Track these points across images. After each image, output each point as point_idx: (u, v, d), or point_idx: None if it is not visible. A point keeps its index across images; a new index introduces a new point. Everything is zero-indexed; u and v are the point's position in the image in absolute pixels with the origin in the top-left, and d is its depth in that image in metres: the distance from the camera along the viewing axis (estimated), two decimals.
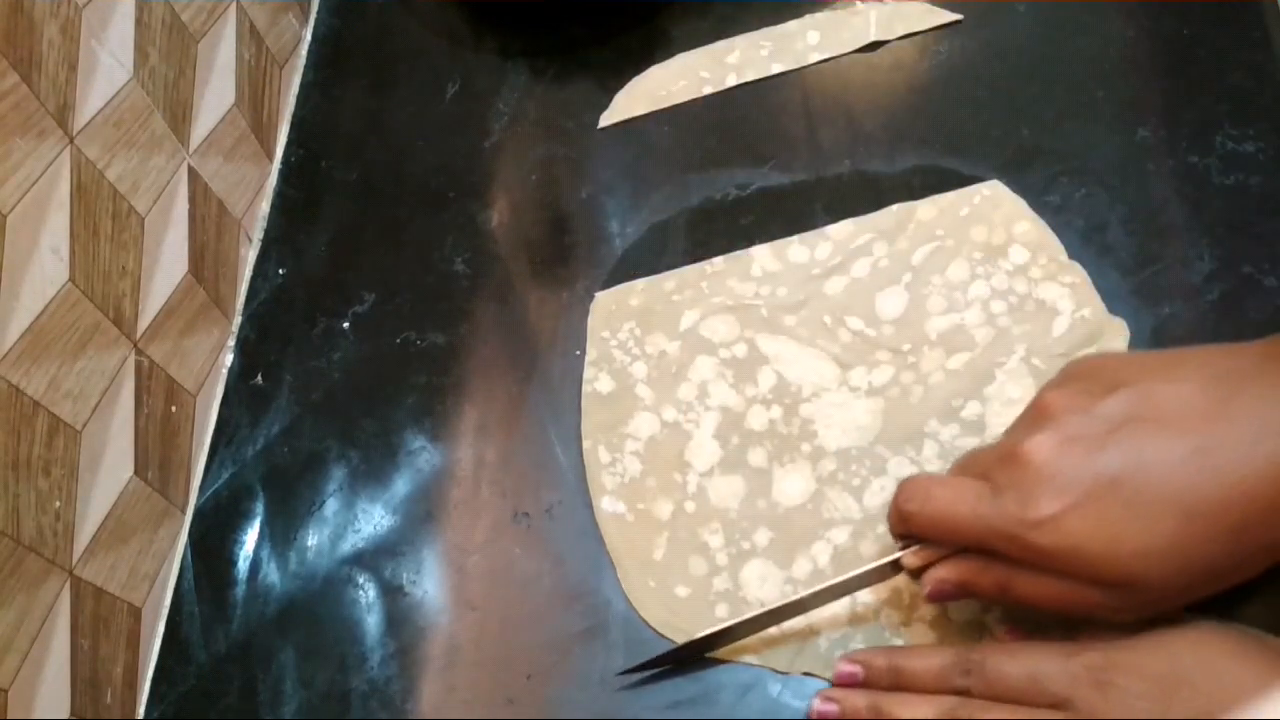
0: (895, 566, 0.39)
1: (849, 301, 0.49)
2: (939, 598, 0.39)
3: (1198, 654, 0.35)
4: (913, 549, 0.38)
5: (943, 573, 0.38)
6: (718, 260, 0.52)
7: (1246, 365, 0.34)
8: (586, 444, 0.48)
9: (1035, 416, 0.36)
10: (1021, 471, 0.35)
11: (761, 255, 0.52)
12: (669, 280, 0.52)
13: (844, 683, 0.40)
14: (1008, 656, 0.37)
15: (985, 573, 0.37)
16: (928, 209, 0.51)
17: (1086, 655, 0.36)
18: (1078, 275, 0.47)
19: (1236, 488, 0.32)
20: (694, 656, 0.42)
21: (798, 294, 0.50)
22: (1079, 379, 0.37)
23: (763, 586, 0.44)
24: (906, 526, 0.38)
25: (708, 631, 0.41)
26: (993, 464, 0.37)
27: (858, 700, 0.39)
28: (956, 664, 0.38)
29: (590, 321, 0.52)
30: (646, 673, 0.42)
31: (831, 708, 0.40)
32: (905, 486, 0.38)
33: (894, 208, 0.51)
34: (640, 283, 0.52)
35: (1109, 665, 0.35)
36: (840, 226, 0.51)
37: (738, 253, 0.52)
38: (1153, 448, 0.34)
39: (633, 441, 0.48)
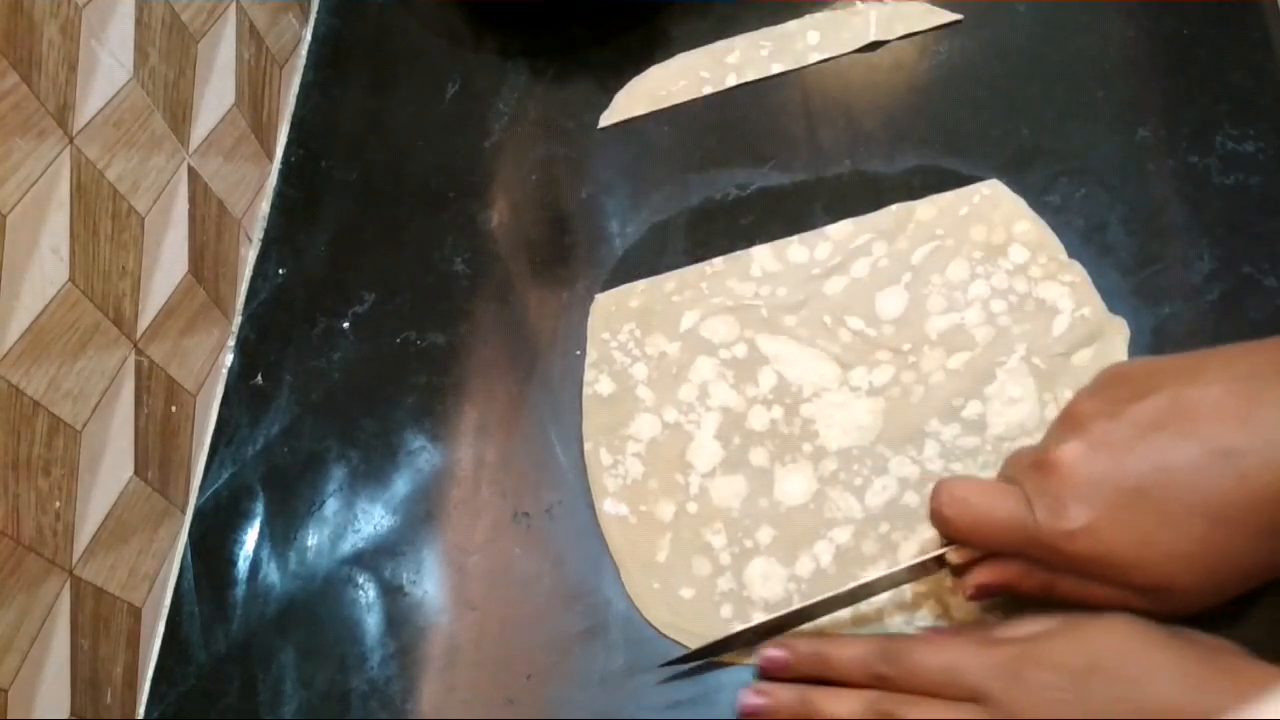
0: (939, 562, 0.39)
1: (849, 301, 0.49)
2: (981, 597, 0.39)
3: (1111, 644, 0.35)
4: (955, 547, 0.39)
5: (985, 576, 0.38)
6: (717, 261, 0.52)
7: (1269, 365, 0.34)
8: (588, 446, 0.48)
9: (1066, 423, 0.37)
10: (1052, 479, 0.35)
11: (761, 255, 0.52)
12: (669, 281, 0.52)
13: (770, 667, 0.41)
14: (928, 648, 0.38)
15: (1028, 577, 0.37)
16: (927, 209, 0.51)
17: (1003, 649, 0.36)
18: (1077, 274, 0.47)
19: (1263, 491, 0.32)
20: (729, 650, 0.42)
21: (798, 294, 0.50)
22: (1110, 385, 0.37)
23: (766, 585, 0.43)
24: (945, 530, 0.38)
25: (748, 625, 0.41)
26: (1026, 470, 0.37)
27: (786, 694, 0.40)
28: (879, 654, 0.38)
29: (590, 323, 0.52)
30: (689, 665, 0.42)
31: (761, 701, 0.40)
32: (941, 490, 0.38)
33: (893, 208, 0.51)
34: (640, 284, 0.52)
35: (1023, 658, 0.36)
36: (840, 226, 0.51)
37: (737, 253, 0.52)
38: (1179, 453, 0.34)
39: (634, 443, 0.48)
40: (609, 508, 0.47)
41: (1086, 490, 0.34)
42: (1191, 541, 0.33)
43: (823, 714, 0.39)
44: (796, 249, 0.51)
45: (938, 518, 0.38)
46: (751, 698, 0.40)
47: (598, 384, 0.50)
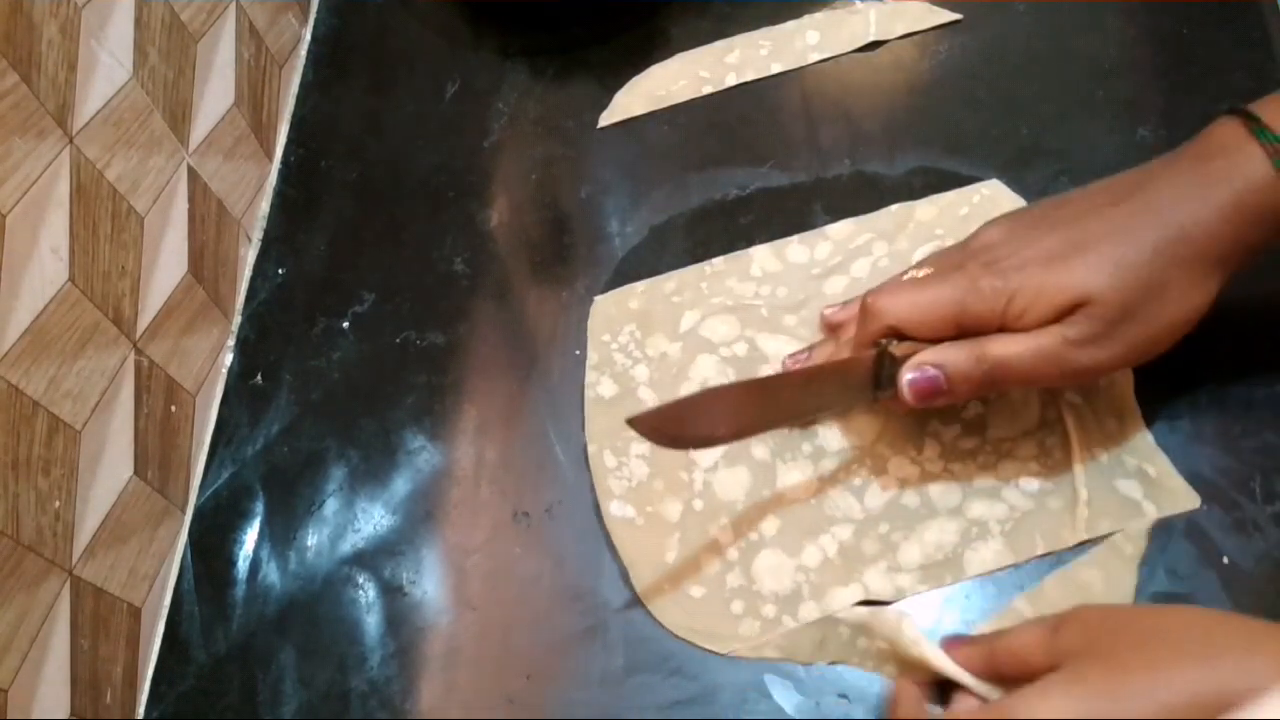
0: (876, 388, 0.41)
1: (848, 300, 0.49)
2: (922, 391, 0.40)
3: (1187, 632, 0.33)
4: (894, 342, 0.40)
5: (924, 355, 0.39)
6: (717, 260, 0.52)
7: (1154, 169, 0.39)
8: (592, 449, 0.48)
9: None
10: (983, 252, 0.39)
11: (761, 255, 0.52)
12: (668, 281, 0.52)
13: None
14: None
15: (961, 347, 0.39)
16: (927, 209, 0.51)
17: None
18: None
19: (1164, 237, 0.37)
20: None
21: (798, 294, 0.50)
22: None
23: (775, 578, 0.43)
24: (883, 319, 0.40)
25: None
26: (955, 259, 0.40)
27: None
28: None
29: (590, 325, 0.52)
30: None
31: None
32: (883, 290, 0.41)
33: (893, 207, 0.51)
34: (639, 285, 0.52)
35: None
36: (840, 226, 0.51)
37: (737, 253, 0.52)
38: (1093, 216, 0.38)
39: (638, 445, 0.48)
40: (615, 510, 0.47)
41: (1016, 248, 0.39)
42: (1102, 256, 0.37)
43: None
44: (796, 249, 0.51)
45: (873, 310, 0.40)
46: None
47: (599, 386, 0.50)
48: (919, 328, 0.40)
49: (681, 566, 0.45)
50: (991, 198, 0.50)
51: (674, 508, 0.46)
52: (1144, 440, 0.43)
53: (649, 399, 0.49)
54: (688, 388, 0.49)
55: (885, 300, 0.40)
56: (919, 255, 0.49)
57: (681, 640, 0.43)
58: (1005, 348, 0.38)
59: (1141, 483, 0.42)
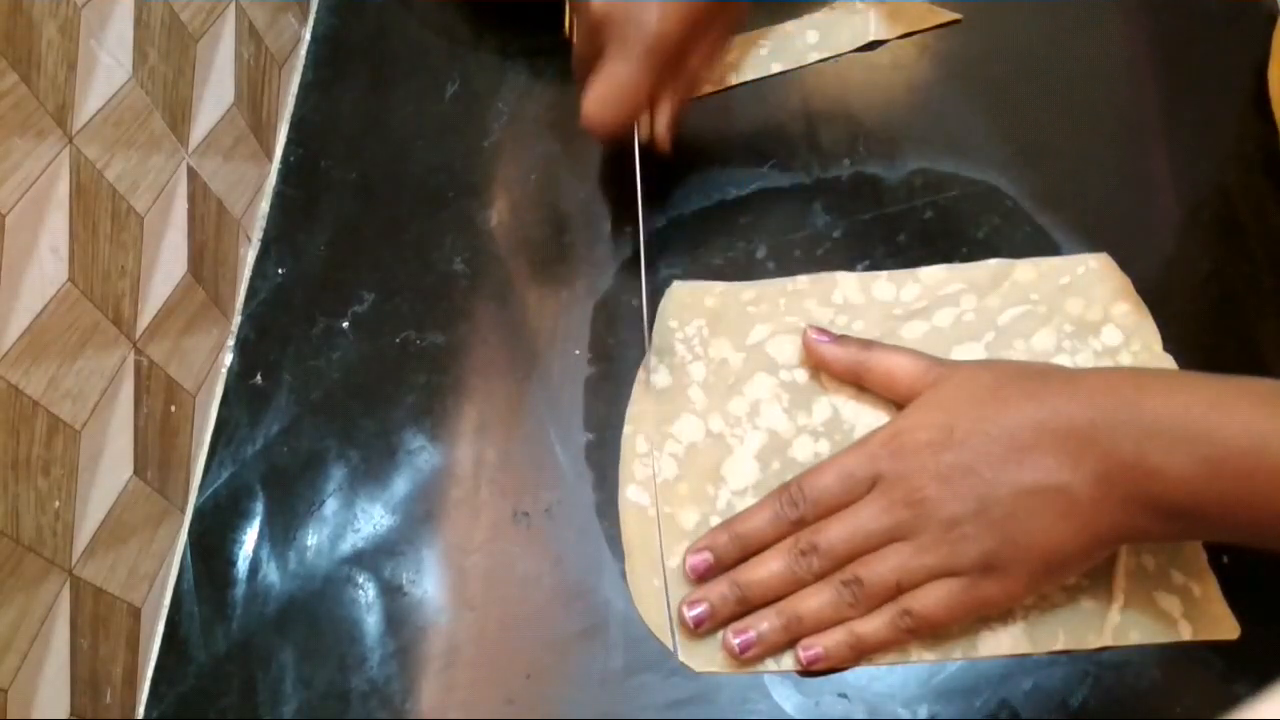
0: None
1: (925, 349, 0.46)
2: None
3: (959, 392, 0.41)
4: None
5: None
6: (801, 278, 0.51)
7: None
8: (627, 429, 0.48)
9: None
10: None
11: (846, 283, 0.50)
12: (748, 290, 0.51)
13: (700, 571, 0.43)
14: (818, 472, 0.42)
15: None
16: (1027, 270, 0.49)
17: (878, 435, 0.42)
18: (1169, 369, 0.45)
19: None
20: None
21: (874, 331, 0.48)
22: None
23: None
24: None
25: None
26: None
27: (718, 588, 0.42)
28: (783, 500, 0.42)
29: (662, 306, 0.51)
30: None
31: (700, 609, 0.42)
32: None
33: (991, 262, 0.49)
34: (719, 285, 0.51)
35: (896, 433, 0.41)
36: (932, 270, 0.50)
37: (822, 274, 0.51)
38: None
39: (674, 443, 0.47)
40: (632, 494, 0.46)
41: None
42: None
43: (755, 586, 0.41)
44: (883, 285, 0.50)
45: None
46: (690, 610, 0.42)
47: (656, 373, 0.49)
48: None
49: (679, 573, 0.44)
50: (1098, 271, 0.48)
51: (691, 516, 0.45)
52: (1197, 558, 0.41)
53: (698, 400, 0.48)
54: (739, 401, 0.48)
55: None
56: (1006, 318, 0.48)
57: (658, 640, 0.43)
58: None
59: (1183, 601, 0.40)
